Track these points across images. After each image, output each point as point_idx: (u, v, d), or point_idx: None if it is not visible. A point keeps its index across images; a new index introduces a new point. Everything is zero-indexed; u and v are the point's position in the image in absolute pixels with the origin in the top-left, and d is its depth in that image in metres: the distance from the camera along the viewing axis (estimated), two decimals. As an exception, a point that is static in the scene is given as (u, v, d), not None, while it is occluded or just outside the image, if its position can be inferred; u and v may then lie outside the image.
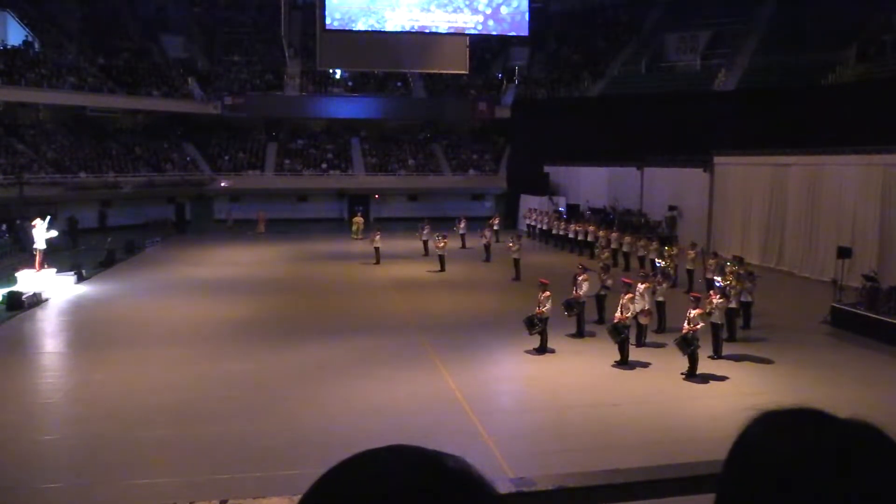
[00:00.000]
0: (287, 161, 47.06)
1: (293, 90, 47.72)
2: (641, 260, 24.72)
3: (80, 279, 24.25)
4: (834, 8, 32.58)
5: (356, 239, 34.95)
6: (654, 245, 24.52)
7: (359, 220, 36.89)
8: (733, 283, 17.02)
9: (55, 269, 23.12)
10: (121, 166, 40.99)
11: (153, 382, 13.48)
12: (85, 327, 18.28)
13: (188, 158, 45.46)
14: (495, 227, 32.75)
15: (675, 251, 23.09)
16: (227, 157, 46.39)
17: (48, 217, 23.64)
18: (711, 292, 16.36)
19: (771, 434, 0.88)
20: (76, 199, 36.86)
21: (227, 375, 13.90)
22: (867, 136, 22.63)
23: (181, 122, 46.96)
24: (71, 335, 18.13)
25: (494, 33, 31.21)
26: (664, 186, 34.05)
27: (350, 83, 48.78)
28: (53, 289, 22.14)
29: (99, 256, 27.82)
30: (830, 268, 21.33)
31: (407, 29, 29.27)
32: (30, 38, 41.59)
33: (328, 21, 28.03)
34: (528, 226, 37.21)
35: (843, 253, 18.88)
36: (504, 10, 29.71)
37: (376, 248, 27.88)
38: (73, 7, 45.30)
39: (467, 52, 32.34)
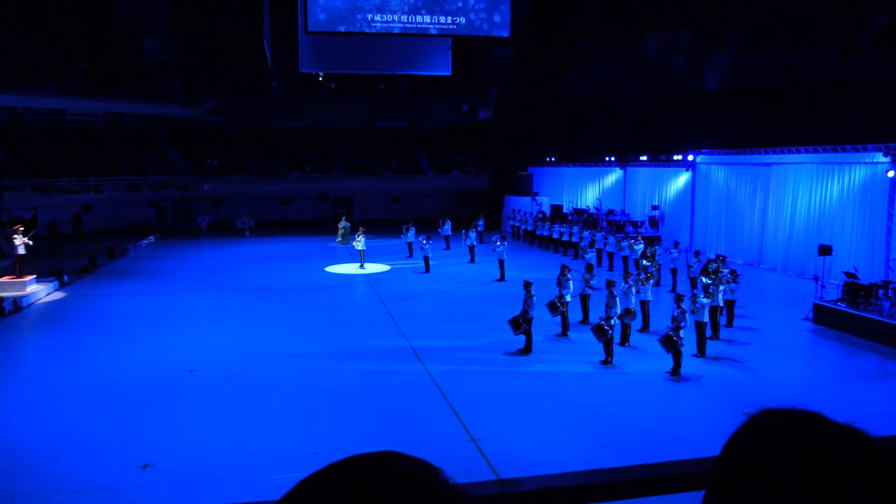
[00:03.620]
0: (270, 164, 46.87)
1: (276, 93, 47.50)
2: (625, 259, 24.83)
3: (61, 285, 24.00)
4: (813, 8, 32.86)
5: (341, 244, 34.76)
6: (638, 244, 24.64)
7: (343, 228, 36.20)
8: (715, 281, 17.13)
9: (35, 276, 22.85)
10: (102, 170, 40.64)
11: (134, 390, 13.35)
12: (64, 335, 18.05)
13: (171, 162, 45.14)
14: (479, 228, 32.78)
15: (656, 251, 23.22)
16: (209, 161, 46.13)
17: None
18: (695, 291, 16.47)
19: (765, 435, 0.88)
20: (57, 203, 36.49)
21: (213, 378, 13.81)
22: (847, 135, 22.88)
23: (164, 125, 46.65)
24: (49, 343, 17.88)
25: (476, 34, 31.22)
26: (647, 186, 34.25)
27: (333, 85, 48.64)
28: (33, 295, 21.89)
29: (80, 262, 27.53)
30: (812, 265, 21.54)
31: (391, 30, 29.26)
32: (9, 42, 41.09)
33: (313, 21, 28.01)
34: (513, 226, 37.29)
35: (824, 250, 19.06)
36: (486, 11, 29.77)
37: (360, 251, 27.77)
38: (53, 10, 44.80)
39: (450, 54, 32.39)
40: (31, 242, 23.27)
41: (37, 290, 22.27)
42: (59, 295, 22.97)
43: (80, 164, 40.04)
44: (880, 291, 17.15)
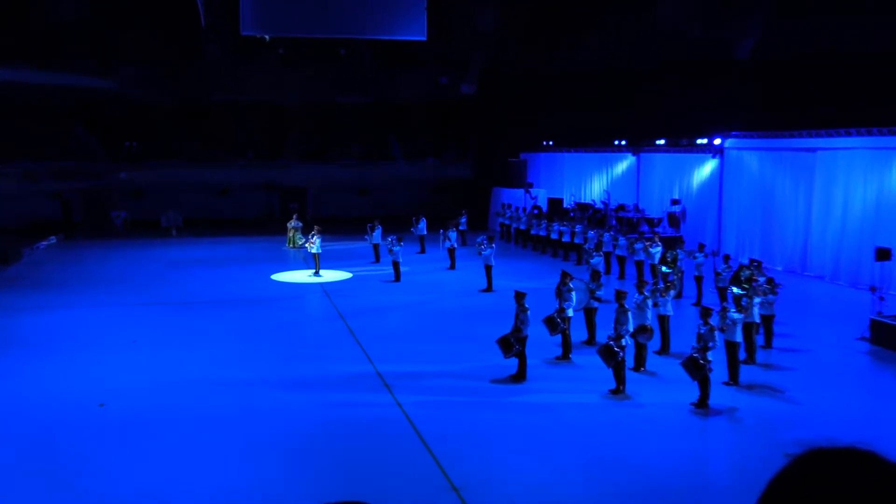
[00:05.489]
0: (204, 148, 46.64)
1: (211, 60, 47.21)
2: (639, 265, 24.89)
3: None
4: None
5: (293, 248, 34.44)
6: (655, 247, 24.69)
7: (294, 227, 35.65)
8: (749, 292, 17.16)
9: None
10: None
11: (27, 428, 13.16)
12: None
13: (79, 144, 44.68)
14: (461, 228, 32.76)
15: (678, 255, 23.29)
16: (128, 143, 45.86)
17: None
18: (725, 304, 16.47)
19: (812, 480, 0.85)
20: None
21: (130, 414, 13.65)
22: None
23: (70, 98, 46.12)
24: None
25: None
26: (665, 176, 34.43)
27: (281, 51, 48.45)
28: None
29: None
30: (868, 273, 21.66)
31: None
32: None
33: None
34: (502, 224, 37.34)
35: (883, 254, 19.17)
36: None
37: (315, 255, 27.60)
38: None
39: (425, 15, 32.42)
40: None
41: None
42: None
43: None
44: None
